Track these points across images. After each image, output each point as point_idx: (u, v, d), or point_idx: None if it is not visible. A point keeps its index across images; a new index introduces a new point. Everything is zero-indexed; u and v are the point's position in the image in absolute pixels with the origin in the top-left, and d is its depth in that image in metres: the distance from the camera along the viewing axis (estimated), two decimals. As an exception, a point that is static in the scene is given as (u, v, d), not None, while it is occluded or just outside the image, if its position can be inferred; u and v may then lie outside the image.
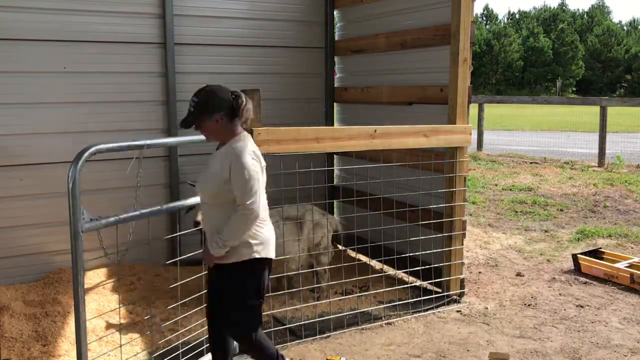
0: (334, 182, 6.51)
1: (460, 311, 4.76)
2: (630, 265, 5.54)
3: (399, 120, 5.25)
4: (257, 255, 3.07)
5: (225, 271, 3.10)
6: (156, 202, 5.49)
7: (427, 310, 4.71)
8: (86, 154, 2.95)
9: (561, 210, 8.37)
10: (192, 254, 4.03)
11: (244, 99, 3.05)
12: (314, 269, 4.95)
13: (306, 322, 4.39)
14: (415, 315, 4.63)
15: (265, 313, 4.16)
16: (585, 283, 5.45)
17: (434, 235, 4.91)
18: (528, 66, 62.40)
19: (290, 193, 4.33)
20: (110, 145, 3.21)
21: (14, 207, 5.00)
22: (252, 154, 3.02)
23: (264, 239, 3.11)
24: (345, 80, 6.38)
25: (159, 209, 3.47)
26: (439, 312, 4.73)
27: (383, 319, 4.55)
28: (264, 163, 3.13)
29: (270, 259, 3.17)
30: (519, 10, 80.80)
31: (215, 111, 3.00)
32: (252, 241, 3.05)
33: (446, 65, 4.75)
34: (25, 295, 4.77)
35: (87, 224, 2.93)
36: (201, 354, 3.86)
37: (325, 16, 6.36)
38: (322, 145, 4.12)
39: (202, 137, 3.21)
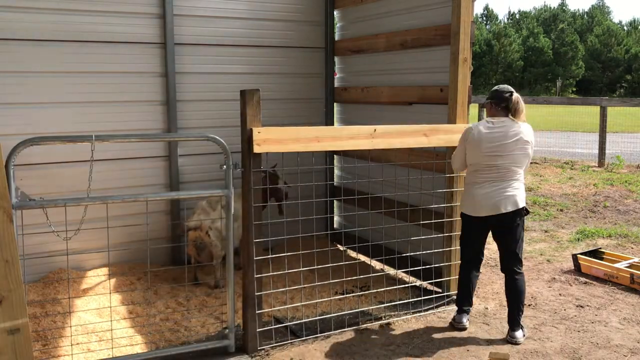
0: (335, 182, 6.51)
1: (460, 311, 4.76)
2: (630, 266, 5.54)
3: (399, 120, 5.24)
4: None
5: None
6: (155, 202, 5.52)
7: (427, 310, 4.71)
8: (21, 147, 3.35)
9: (561, 210, 8.37)
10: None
11: None
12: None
13: (306, 320, 4.39)
14: (415, 315, 4.63)
15: (265, 311, 4.17)
16: (585, 283, 5.45)
17: (434, 235, 4.90)
18: (528, 66, 62.37)
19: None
20: (51, 135, 3.44)
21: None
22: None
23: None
24: (345, 80, 6.38)
25: (105, 196, 3.75)
26: (439, 312, 4.73)
27: (383, 318, 4.55)
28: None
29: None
30: (519, 10, 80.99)
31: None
32: None
33: (446, 65, 4.76)
34: (25, 295, 4.77)
35: (20, 202, 3.35)
36: (198, 353, 3.87)
37: (325, 16, 6.36)
38: (322, 145, 4.12)
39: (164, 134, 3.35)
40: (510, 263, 4.27)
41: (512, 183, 4.12)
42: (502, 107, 4.16)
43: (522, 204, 4.15)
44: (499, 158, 4.07)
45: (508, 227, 4.19)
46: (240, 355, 3.94)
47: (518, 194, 4.14)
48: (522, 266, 4.31)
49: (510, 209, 4.10)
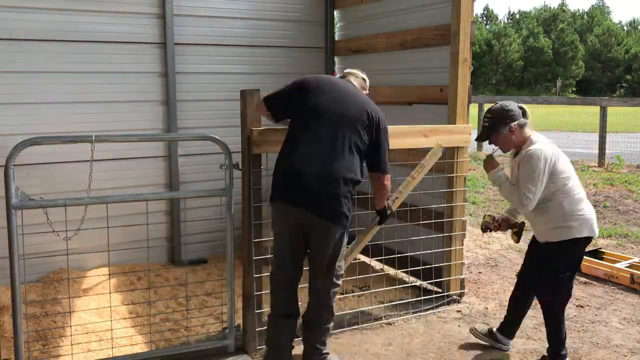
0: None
1: (460, 311, 4.77)
2: (630, 265, 5.54)
3: (399, 120, 5.23)
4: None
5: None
6: (156, 202, 5.52)
7: (427, 310, 4.71)
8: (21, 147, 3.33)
9: (561, 210, 8.36)
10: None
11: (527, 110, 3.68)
12: None
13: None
14: (415, 315, 4.63)
15: (264, 311, 4.16)
16: (585, 283, 5.45)
17: (434, 235, 4.90)
18: (528, 66, 62.38)
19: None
20: (51, 135, 3.65)
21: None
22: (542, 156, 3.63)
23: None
24: (345, 80, 6.36)
25: (105, 196, 3.80)
26: (439, 312, 4.73)
27: (383, 318, 4.55)
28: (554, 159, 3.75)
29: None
30: (519, 10, 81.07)
31: (510, 121, 3.61)
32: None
33: (446, 65, 4.75)
34: (25, 295, 4.77)
35: (20, 202, 3.33)
36: (198, 353, 3.86)
37: (325, 16, 6.36)
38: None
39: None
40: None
41: None
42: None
43: None
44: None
45: None
46: (240, 355, 3.94)
47: None
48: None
49: None
